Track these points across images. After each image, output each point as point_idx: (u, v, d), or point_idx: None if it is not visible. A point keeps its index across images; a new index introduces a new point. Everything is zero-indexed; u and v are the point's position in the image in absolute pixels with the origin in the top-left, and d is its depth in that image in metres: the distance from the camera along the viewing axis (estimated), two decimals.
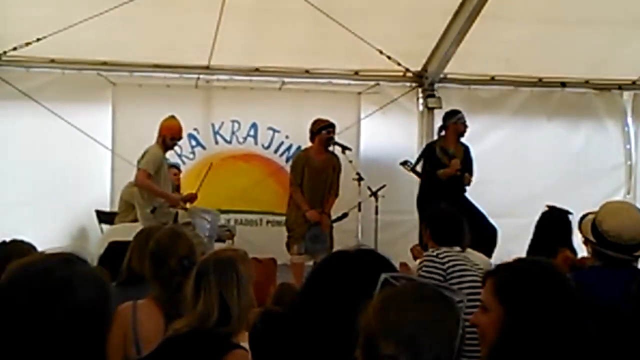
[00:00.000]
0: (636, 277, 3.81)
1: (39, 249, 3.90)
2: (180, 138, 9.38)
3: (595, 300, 4.06)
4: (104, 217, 10.29)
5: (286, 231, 10.01)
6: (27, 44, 9.72)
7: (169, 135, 9.08)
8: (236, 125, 11.15)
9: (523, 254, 6.02)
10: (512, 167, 11.39)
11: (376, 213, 10.00)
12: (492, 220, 9.82)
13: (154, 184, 8.88)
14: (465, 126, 10.18)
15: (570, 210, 6.38)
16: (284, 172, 10.82)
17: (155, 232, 4.66)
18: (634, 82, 11.71)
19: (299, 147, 10.81)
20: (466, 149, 10.26)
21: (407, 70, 11.12)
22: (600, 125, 11.88)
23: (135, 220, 8.98)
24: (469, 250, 5.84)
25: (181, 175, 10.58)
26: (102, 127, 10.71)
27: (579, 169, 11.54)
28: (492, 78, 11.46)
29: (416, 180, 10.25)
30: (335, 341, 2.61)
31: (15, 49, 9.92)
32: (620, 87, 11.82)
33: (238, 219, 11.01)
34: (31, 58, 10.27)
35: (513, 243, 8.50)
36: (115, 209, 10.11)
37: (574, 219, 5.73)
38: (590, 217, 4.75)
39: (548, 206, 6.71)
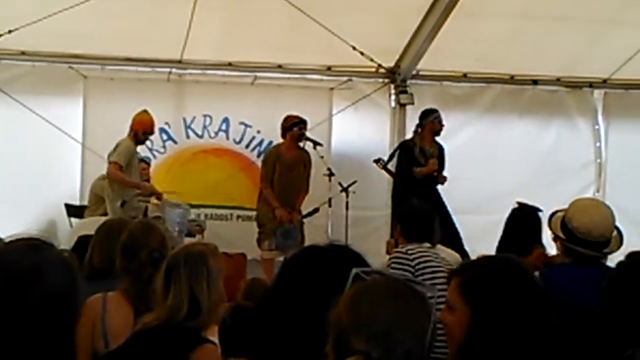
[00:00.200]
0: (605, 273, 3.82)
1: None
2: (152, 133, 9.40)
3: (565, 298, 4.09)
4: (74, 210, 10.20)
5: (257, 227, 10.00)
6: None
7: (141, 130, 9.06)
8: (208, 119, 11.08)
9: (492, 251, 6.02)
10: (483, 164, 11.38)
11: (347, 209, 10.01)
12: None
13: (125, 176, 8.85)
14: (442, 125, 10.26)
15: (540, 207, 6.36)
16: (255, 167, 10.79)
17: (121, 226, 4.64)
18: (604, 81, 11.74)
19: (270, 142, 10.78)
20: (441, 148, 10.34)
21: (380, 66, 11.10)
22: (571, 123, 11.91)
23: (105, 214, 8.93)
24: (439, 246, 5.86)
25: (151, 170, 10.51)
26: (72, 121, 10.59)
27: (549, 166, 11.56)
28: (464, 75, 11.47)
29: (387, 176, 10.28)
30: (306, 336, 2.60)
31: None
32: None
33: (208, 213, 10.94)
34: (1, 50, 10.15)
35: (482, 240, 8.53)
36: (85, 203, 10.03)
37: (544, 216, 5.74)
38: (560, 214, 4.78)
39: (518, 203, 6.67)
